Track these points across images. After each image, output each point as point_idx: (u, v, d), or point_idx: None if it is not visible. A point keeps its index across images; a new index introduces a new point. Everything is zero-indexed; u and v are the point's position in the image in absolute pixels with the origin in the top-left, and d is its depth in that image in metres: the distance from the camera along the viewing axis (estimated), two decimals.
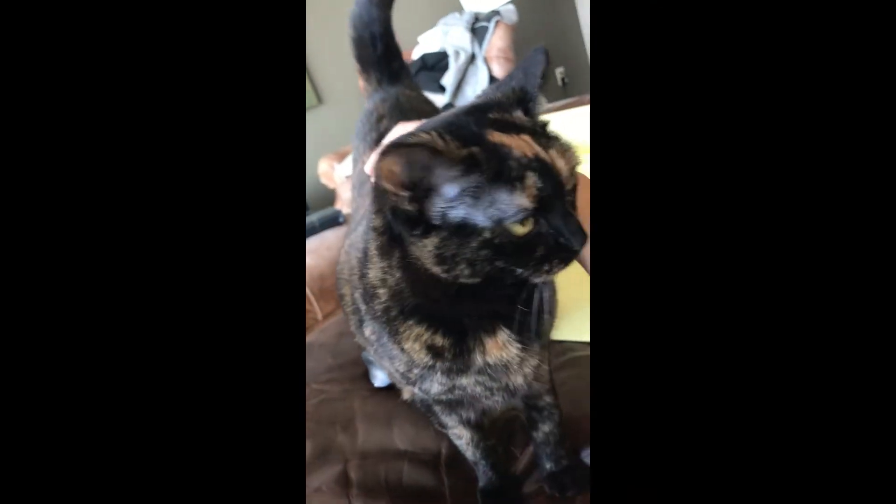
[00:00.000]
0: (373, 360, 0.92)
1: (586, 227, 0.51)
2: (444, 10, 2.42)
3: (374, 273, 0.50)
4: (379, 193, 0.44)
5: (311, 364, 1.05)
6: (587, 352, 0.87)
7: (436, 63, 2.28)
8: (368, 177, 0.50)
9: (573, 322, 0.86)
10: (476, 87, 2.23)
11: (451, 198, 0.40)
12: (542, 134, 0.43)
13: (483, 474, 0.67)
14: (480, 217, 0.39)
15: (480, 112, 0.44)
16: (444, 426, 0.65)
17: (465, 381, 0.53)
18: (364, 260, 0.52)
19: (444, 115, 0.48)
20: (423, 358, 0.51)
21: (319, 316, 1.71)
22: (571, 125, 1.19)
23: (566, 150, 0.43)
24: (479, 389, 0.54)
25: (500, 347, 0.51)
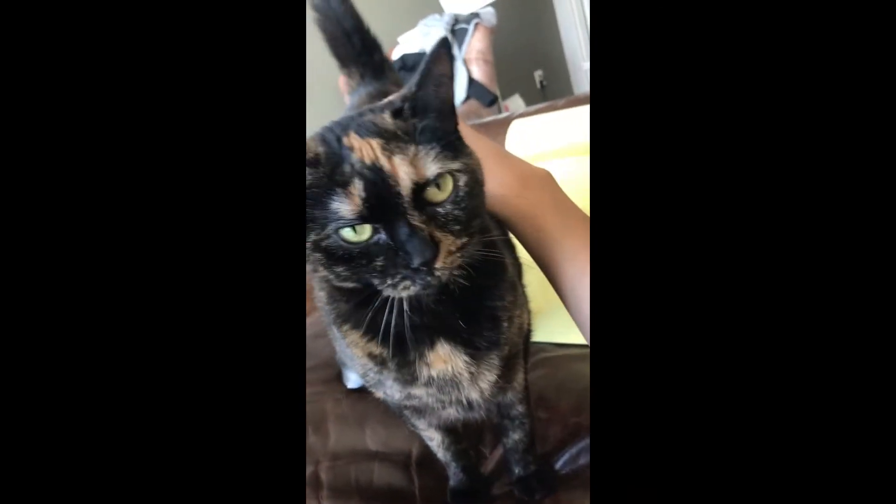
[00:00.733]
0: (346, 363, 0.92)
1: (582, 232, 0.51)
2: (424, 11, 2.43)
3: None
4: None
5: None
6: (558, 352, 0.89)
7: (416, 63, 2.28)
8: None
9: (544, 323, 0.87)
10: (455, 89, 2.23)
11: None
12: (398, 138, 0.40)
13: (454, 475, 0.68)
14: (315, 217, 0.39)
15: (365, 112, 0.43)
16: (416, 427, 0.66)
17: (417, 392, 0.51)
18: None
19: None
20: (369, 364, 0.50)
21: None
22: (544, 131, 1.21)
23: (418, 158, 0.39)
24: (431, 401, 0.52)
25: (444, 360, 0.48)
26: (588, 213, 0.52)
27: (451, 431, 0.65)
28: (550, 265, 0.52)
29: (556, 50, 3.15)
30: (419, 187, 0.39)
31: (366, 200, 0.38)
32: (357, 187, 0.38)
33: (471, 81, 2.29)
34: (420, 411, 0.58)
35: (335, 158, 0.39)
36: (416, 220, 0.38)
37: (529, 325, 0.62)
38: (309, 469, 0.76)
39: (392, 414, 0.77)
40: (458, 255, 0.40)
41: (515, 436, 0.64)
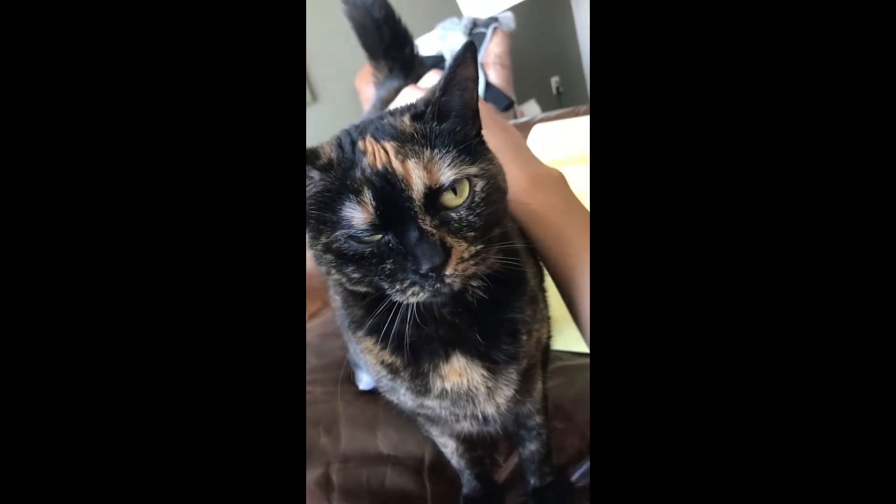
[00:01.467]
0: (359, 364, 0.91)
1: (582, 237, 0.51)
2: (442, 14, 2.43)
3: None
4: None
5: None
6: (574, 361, 0.87)
7: (433, 67, 2.28)
8: None
9: (561, 332, 0.86)
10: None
11: (310, 195, 0.39)
12: (414, 141, 0.39)
13: (467, 482, 0.67)
14: (326, 220, 0.39)
15: (386, 114, 0.43)
16: (430, 433, 0.65)
17: (431, 403, 0.50)
18: None
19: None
20: (382, 371, 0.49)
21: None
22: (565, 136, 1.20)
23: (433, 162, 0.38)
24: (445, 413, 0.51)
25: (459, 373, 0.47)
26: None
27: (465, 439, 0.64)
28: (556, 266, 0.52)
29: (573, 56, 3.14)
30: (432, 192, 0.38)
31: (377, 209, 0.37)
32: (368, 196, 0.37)
33: (487, 85, 2.28)
34: (433, 420, 0.57)
35: (347, 164, 0.39)
36: (427, 224, 0.37)
37: (549, 334, 0.61)
38: (320, 470, 0.75)
39: (404, 418, 0.76)
40: (472, 262, 0.39)
41: (532, 446, 0.63)
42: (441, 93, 0.40)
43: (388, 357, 0.48)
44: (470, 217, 0.39)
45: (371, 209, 0.37)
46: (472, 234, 0.39)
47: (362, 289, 0.41)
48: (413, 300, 0.39)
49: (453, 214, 0.39)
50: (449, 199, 0.39)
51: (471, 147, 0.41)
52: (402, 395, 0.51)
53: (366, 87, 2.39)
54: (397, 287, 0.38)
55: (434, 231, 0.37)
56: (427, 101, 0.41)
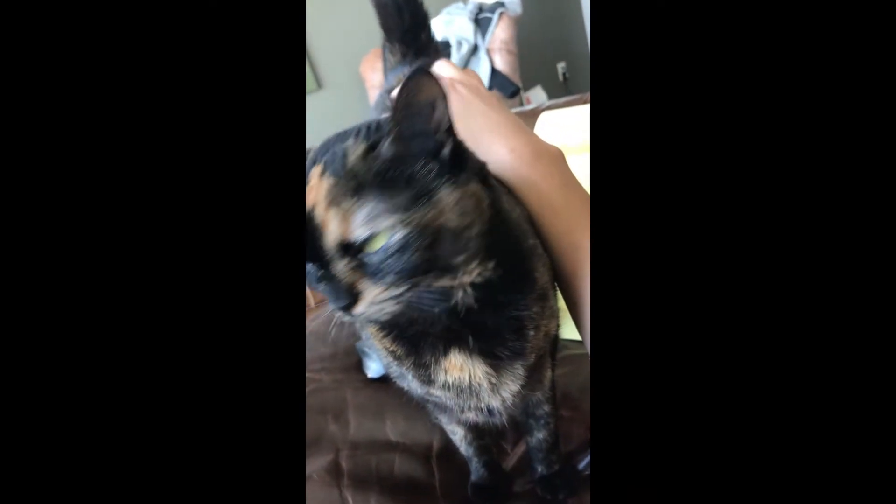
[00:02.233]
0: (367, 351, 0.92)
1: (584, 210, 0.51)
2: None
3: None
4: None
5: None
6: (580, 350, 0.88)
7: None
8: None
9: (567, 320, 0.86)
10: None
11: None
12: (351, 181, 0.37)
13: (475, 470, 0.67)
14: None
15: (352, 132, 0.41)
16: (439, 420, 0.65)
17: (437, 392, 0.50)
18: None
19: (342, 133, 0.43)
20: (390, 358, 0.49)
21: (312, 303, 1.71)
22: (574, 124, 1.19)
23: (351, 213, 0.37)
24: (450, 403, 0.51)
25: (460, 368, 0.46)
26: None
27: (473, 427, 0.65)
28: (548, 237, 0.52)
29: (579, 42, 3.11)
30: (345, 243, 0.37)
31: (307, 243, 0.38)
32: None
33: (493, 72, 2.27)
34: (442, 407, 0.57)
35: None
36: (339, 267, 0.38)
37: (557, 324, 0.61)
38: (329, 457, 0.76)
39: (413, 405, 0.76)
40: (391, 302, 0.38)
41: (540, 435, 0.63)
42: (393, 125, 0.38)
43: (390, 345, 0.48)
44: (387, 262, 0.37)
45: (305, 241, 0.38)
46: (392, 277, 0.37)
47: None
48: (346, 320, 0.40)
49: (372, 258, 0.37)
50: (368, 243, 0.37)
51: (420, 186, 0.38)
52: (411, 382, 0.52)
53: (371, 74, 2.37)
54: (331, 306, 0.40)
55: (345, 275, 0.38)
56: (382, 131, 0.39)
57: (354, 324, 0.52)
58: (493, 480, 0.67)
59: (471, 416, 0.53)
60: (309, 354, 1.03)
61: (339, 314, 0.40)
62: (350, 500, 0.69)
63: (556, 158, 0.56)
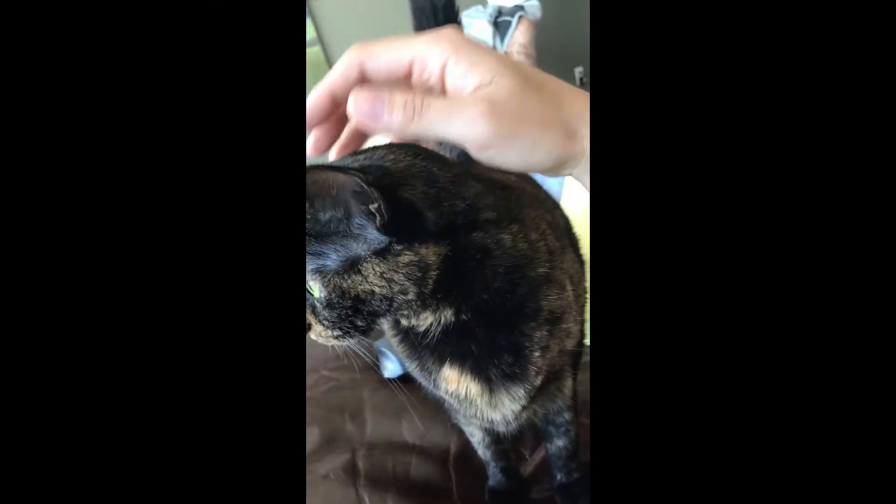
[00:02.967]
0: (384, 351, 0.92)
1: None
2: (468, 1, 2.41)
3: None
4: None
5: (320, 350, 1.05)
6: None
7: None
8: None
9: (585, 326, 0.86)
10: None
11: None
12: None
13: (493, 474, 0.67)
14: None
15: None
16: (458, 421, 0.65)
17: (444, 396, 0.50)
18: None
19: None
20: (403, 358, 0.51)
21: None
22: None
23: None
24: (458, 408, 0.51)
25: (456, 381, 0.47)
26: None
27: (490, 430, 0.65)
28: None
29: None
30: None
31: None
32: None
33: None
34: (456, 409, 0.57)
35: None
36: None
37: (579, 339, 0.60)
38: (346, 456, 0.76)
39: (430, 407, 0.76)
40: (333, 339, 0.41)
41: (560, 442, 0.63)
42: (308, 206, 0.39)
43: (398, 344, 0.50)
44: (322, 310, 0.40)
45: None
46: (328, 322, 0.40)
47: None
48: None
49: (314, 301, 0.40)
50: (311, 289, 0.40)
51: (347, 254, 0.38)
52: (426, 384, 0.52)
53: None
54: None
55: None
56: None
57: None
58: (510, 486, 0.67)
59: (477, 424, 0.54)
60: (326, 352, 1.03)
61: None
62: (367, 499, 0.69)
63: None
